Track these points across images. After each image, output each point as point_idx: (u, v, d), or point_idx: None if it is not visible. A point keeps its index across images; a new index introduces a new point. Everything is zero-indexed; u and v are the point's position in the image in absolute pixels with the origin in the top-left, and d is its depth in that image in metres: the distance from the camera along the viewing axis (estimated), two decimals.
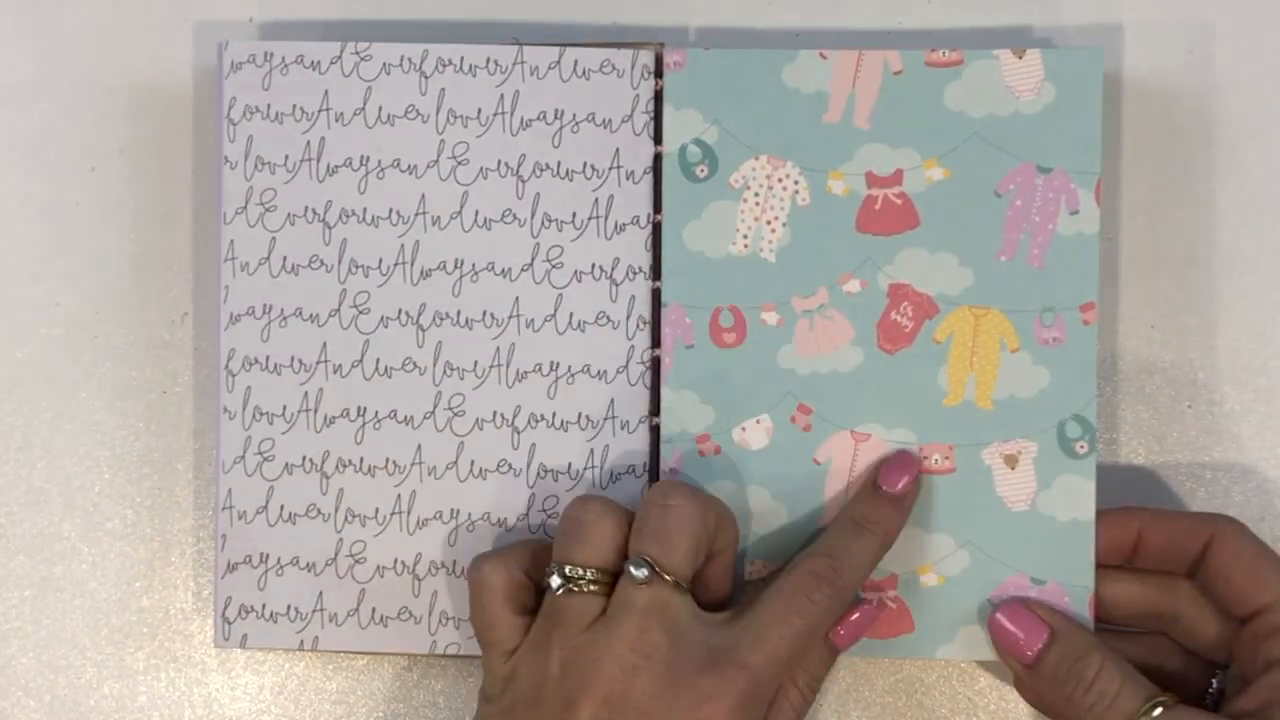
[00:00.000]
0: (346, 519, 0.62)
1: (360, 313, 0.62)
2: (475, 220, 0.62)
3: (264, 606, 0.62)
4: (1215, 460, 0.64)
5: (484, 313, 0.62)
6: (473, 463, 0.62)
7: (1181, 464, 0.64)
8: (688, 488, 0.58)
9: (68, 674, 0.65)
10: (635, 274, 0.62)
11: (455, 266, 0.62)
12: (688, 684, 0.54)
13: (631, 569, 0.55)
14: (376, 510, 0.62)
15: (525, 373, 0.62)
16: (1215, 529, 0.58)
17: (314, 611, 0.62)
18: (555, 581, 0.56)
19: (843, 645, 0.59)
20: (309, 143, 0.62)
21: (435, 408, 0.62)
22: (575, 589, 0.56)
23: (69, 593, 0.65)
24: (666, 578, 0.55)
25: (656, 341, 0.62)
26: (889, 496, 0.60)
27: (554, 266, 0.62)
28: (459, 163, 0.62)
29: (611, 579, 0.56)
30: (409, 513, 0.62)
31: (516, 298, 0.62)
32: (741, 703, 0.54)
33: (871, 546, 0.59)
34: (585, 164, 0.62)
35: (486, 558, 0.59)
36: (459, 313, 0.62)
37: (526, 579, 0.58)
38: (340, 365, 0.62)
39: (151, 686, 0.65)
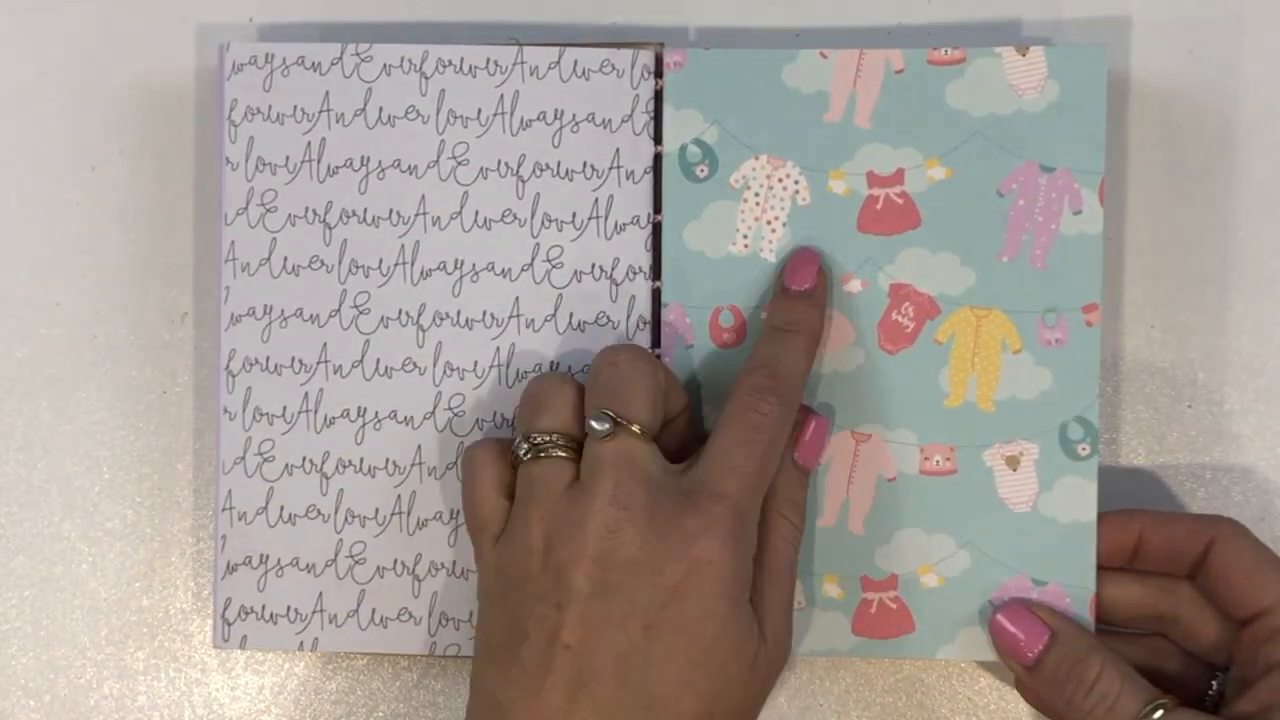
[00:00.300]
0: (346, 520, 0.62)
1: (360, 313, 0.62)
2: (475, 220, 0.62)
3: (264, 608, 0.62)
4: (1215, 460, 0.64)
5: (484, 313, 0.62)
6: None
7: (1182, 464, 0.64)
8: (632, 345, 0.58)
9: (68, 674, 0.65)
10: (635, 274, 0.62)
11: (455, 266, 0.62)
12: (673, 528, 0.54)
13: (593, 423, 0.55)
14: (376, 511, 0.62)
15: (526, 373, 0.62)
16: (1216, 531, 0.58)
17: (314, 613, 0.62)
18: (523, 449, 0.56)
19: (809, 463, 0.60)
20: (310, 143, 0.62)
21: (435, 408, 0.62)
22: (543, 455, 0.56)
23: (69, 593, 0.65)
24: (632, 428, 0.55)
25: (656, 341, 0.62)
26: (800, 294, 0.60)
27: (554, 266, 0.62)
28: (459, 163, 0.62)
29: (577, 444, 0.56)
30: (409, 513, 0.62)
31: (516, 298, 0.62)
32: (729, 532, 0.54)
33: (800, 345, 0.59)
34: (585, 164, 0.62)
35: (477, 442, 0.59)
36: (459, 313, 0.62)
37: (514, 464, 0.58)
38: (340, 366, 0.62)
39: (151, 686, 0.65)
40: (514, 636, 0.54)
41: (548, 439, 0.56)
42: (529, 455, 0.56)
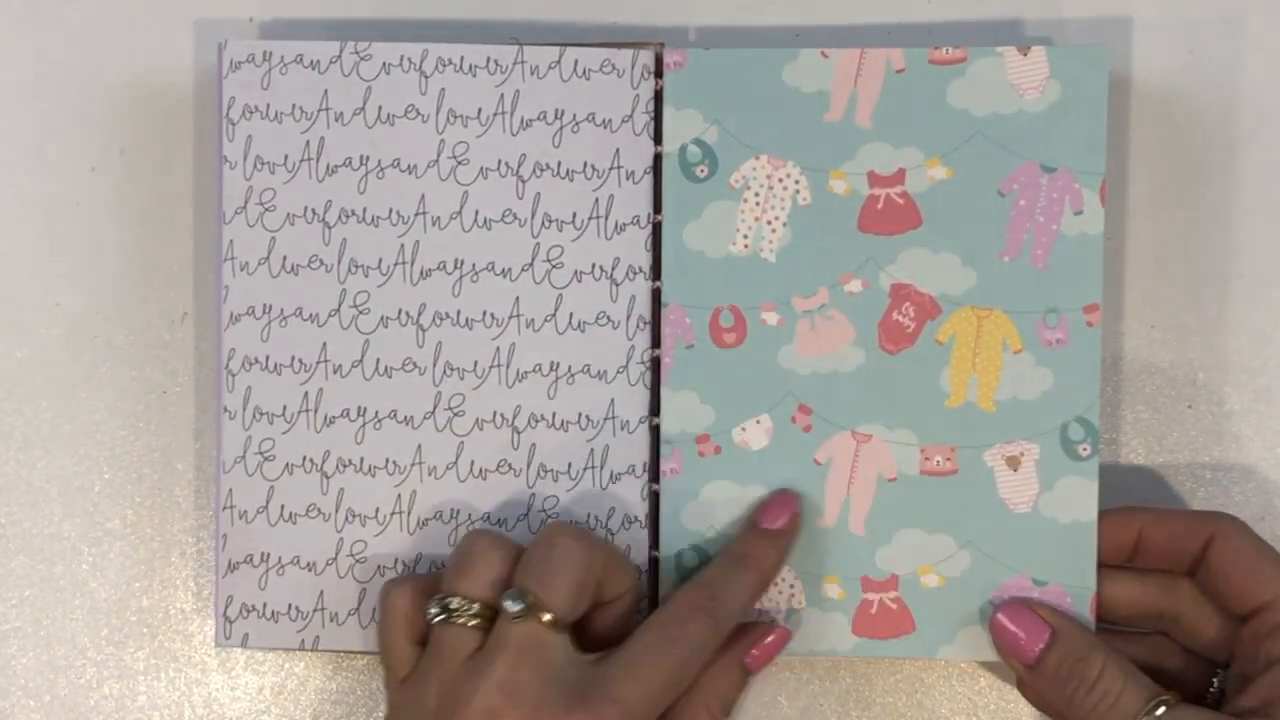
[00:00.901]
0: (347, 519, 0.62)
1: (360, 313, 0.62)
2: (475, 220, 0.62)
3: (265, 606, 0.62)
4: (1215, 460, 0.64)
5: (484, 313, 0.62)
6: (473, 463, 0.62)
7: (1182, 464, 0.64)
8: (578, 530, 0.58)
9: (68, 674, 0.65)
10: (635, 274, 0.62)
11: (455, 266, 0.62)
12: None
13: (506, 602, 0.55)
14: (377, 510, 0.62)
15: (525, 373, 0.62)
16: (1215, 527, 0.58)
17: (315, 611, 0.62)
18: (433, 611, 0.56)
19: (755, 668, 0.60)
20: (308, 142, 0.62)
21: (435, 408, 0.62)
22: (454, 620, 0.56)
23: (69, 593, 0.65)
24: (544, 616, 0.54)
25: (657, 341, 0.62)
26: (767, 533, 0.60)
27: (554, 266, 0.62)
28: (459, 162, 0.62)
29: (493, 614, 0.56)
30: (409, 513, 0.62)
31: (517, 298, 0.62)
32: None
33: (749, 580, 0.59)
34: (585, 164, 0.62)
35: (396, 582, 0.59)
36: (459, 313, 0.62)
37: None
38: (340, 365, 0.62)
39: (151, 686, 0.65)
40: None
41: (461, 605, 0.56)
42: (439, 619, 0.56)
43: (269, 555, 0.62)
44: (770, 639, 0.60)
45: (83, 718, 0.65)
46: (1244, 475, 0.64)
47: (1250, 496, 0.64)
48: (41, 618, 0.65)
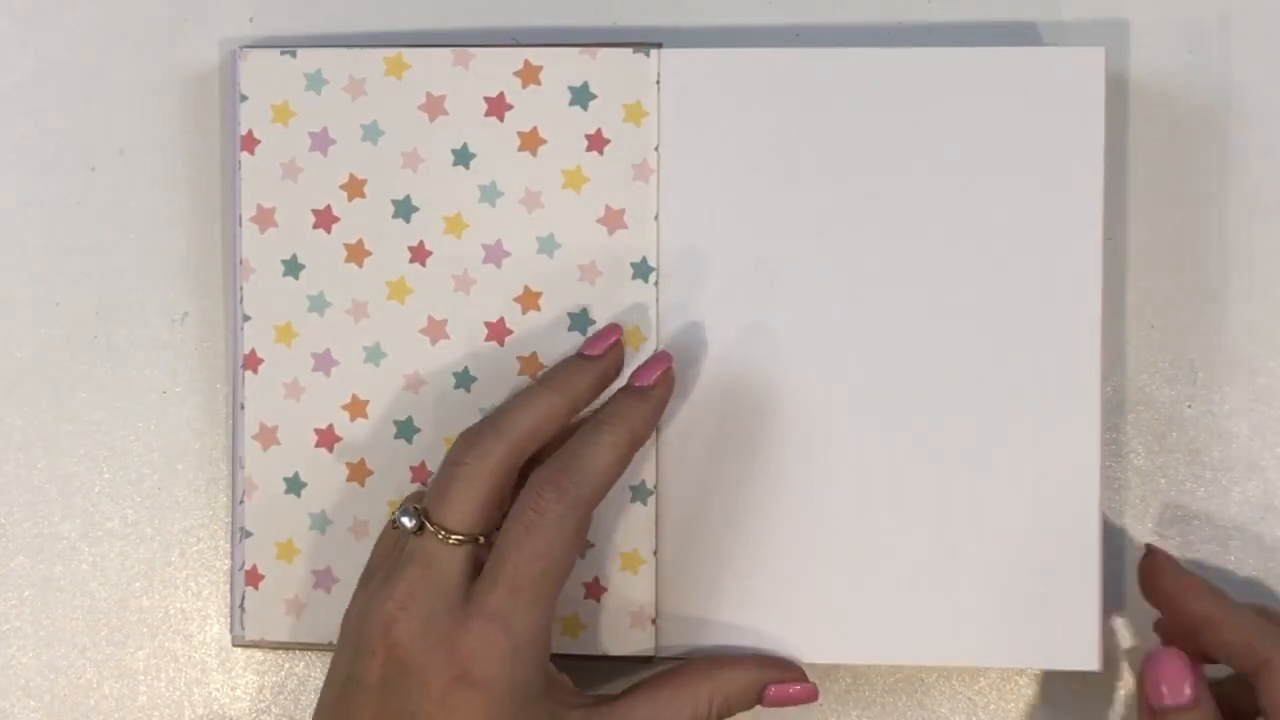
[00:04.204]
0: None
1: None
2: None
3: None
4: (1215, 460, 0.64)
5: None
6: None
7: (1182, 464, 0.64)
8: (489, 443, 0.55)
9: (68, 674, 0.65)
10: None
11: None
12: (444, 640, 0.53)
13: (402, 518, 0.55)
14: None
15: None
16: (1268, 656, 0.54)
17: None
18: (389, 519, 0.57)
19: (765, 702, 0.58)
20: None
21: None
22: (395, 529, 0.56)
23: (69, 593, 0.65)
24: (437, 532, 0.54)
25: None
26: (634, 390, 0.58)
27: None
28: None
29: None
30: None
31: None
32: (500, 653, 0.53)
33: (608, 440, 0.56)
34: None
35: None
36: None
37: None
38: None
39: (151, 686, 0.65)
40: (330, 678, 0.55)
41: (400, 519, 0.55)
42: (393, 526, 0.57)
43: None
44: (795, 689, 0.58)
45: (83, 718, 0.65)
46: (1244, 475, 0.64)
47: (1250, 496, 0.64)
48: (41, 618, 0.65)
